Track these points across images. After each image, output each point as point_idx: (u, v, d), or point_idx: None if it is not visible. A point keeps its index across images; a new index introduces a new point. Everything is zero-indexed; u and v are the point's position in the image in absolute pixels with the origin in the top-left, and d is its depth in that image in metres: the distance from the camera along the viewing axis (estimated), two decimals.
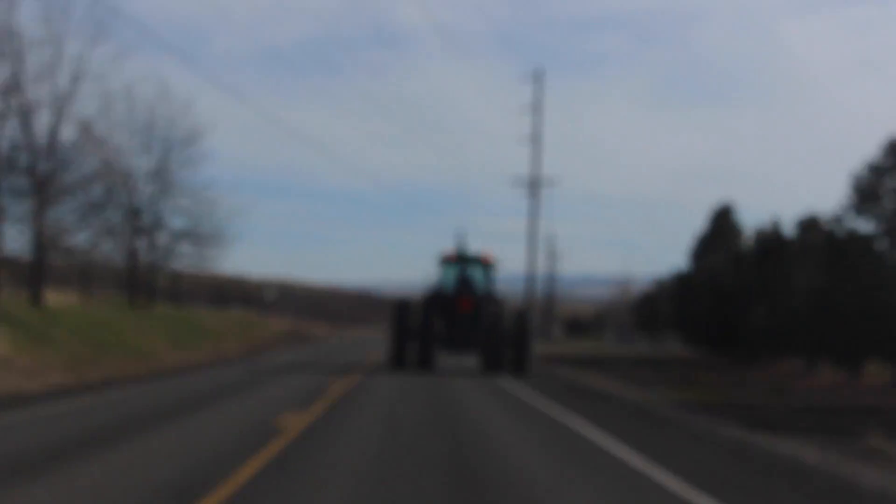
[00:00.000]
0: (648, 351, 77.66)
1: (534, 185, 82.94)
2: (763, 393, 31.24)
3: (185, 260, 50.17)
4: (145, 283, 50.28)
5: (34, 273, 37.87)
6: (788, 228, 48.07)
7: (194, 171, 49.53)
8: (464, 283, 36.61)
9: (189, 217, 49.42)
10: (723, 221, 63.48)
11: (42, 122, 36.04)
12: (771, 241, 49.21)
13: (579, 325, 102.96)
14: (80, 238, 38.00)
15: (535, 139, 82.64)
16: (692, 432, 17.94)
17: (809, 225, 47.04)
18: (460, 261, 36.93)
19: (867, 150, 36.82)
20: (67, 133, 36.74)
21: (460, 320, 35.67)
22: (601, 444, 15.10)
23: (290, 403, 19.95)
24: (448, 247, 37.77)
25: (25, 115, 35.55)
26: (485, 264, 37.09)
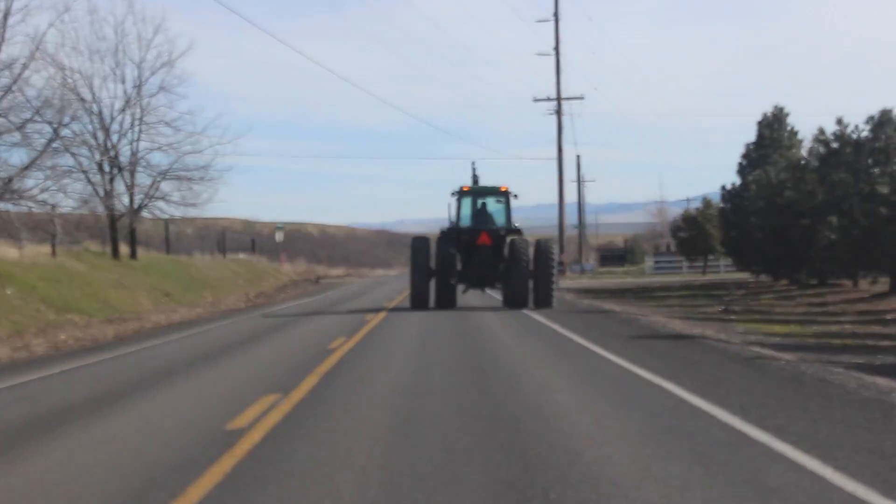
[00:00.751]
0: (695, 277, 71.90)
1: (558, 102, 77.12)
2: (858, 321, 27.32)
3: (171, 202, 43.77)
4: (129, 231, 44.21)
5: None
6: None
7: (175, 100, 43.09)
8: (480, 216, 35.19)
9: (171, 153, 43.21)
10: (774, 129, 57.12)
11: None
12: (840, 142, 42.84)
13: (613, 255, 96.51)
14: (30, 181, 31.54)
15: (557, 50, 76.70)
16: (847, 393, 12.00)
17: (883, 121, 40.88)
18: (475, 193, 35.44)
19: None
20: (11, 51, 30.35)
21: (479, 254, 34.31)
22: (759, 441, 9.13)
23: (253, 392, 13.94)
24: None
25: None
26: (501, 195, 35.41)
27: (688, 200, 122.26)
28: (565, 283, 57.22)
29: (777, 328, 24.85)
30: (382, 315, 30.08)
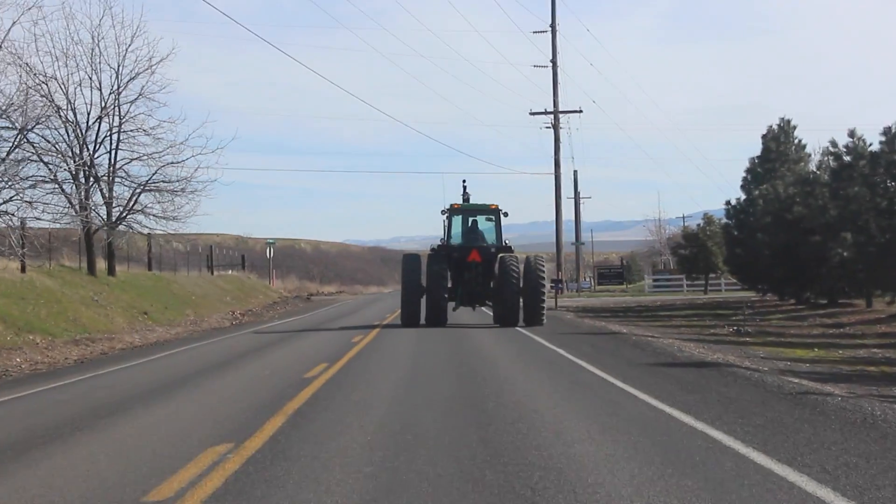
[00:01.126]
0: (696, 295, 69.59)
1: (555, 115, 75.31)
2: (884, 344, 25.29)
3: (151, 215, 41.23)
4: (107, 246, 41.77)
5: None
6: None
7: (155, 108, 40.63)
8: (471, 234, 35.14)
9: (152, 163, 40.72)
10: (781, 143, 54.81)
11: None
12: (853, 155, 40.64)
13: (611, 272, 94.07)
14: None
15: (554, 62, 74.88)
16: None
17: None
18: (465, 211, 35.42)
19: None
20: None
21: (470, 272, 34.33)
22: None
23: (198, 442, 11.61)
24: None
25: None
26: (492, 213, 35.36)
27: (683, 218, 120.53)
28: (563, 301, 55.08)
29: (799, 352, 23.04)
30: (371, 335, 27.91)
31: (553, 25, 75.19)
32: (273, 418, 11.72)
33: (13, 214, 30.28)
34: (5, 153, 29.10)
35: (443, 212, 35.14)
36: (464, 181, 36.77)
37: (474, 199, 36.37)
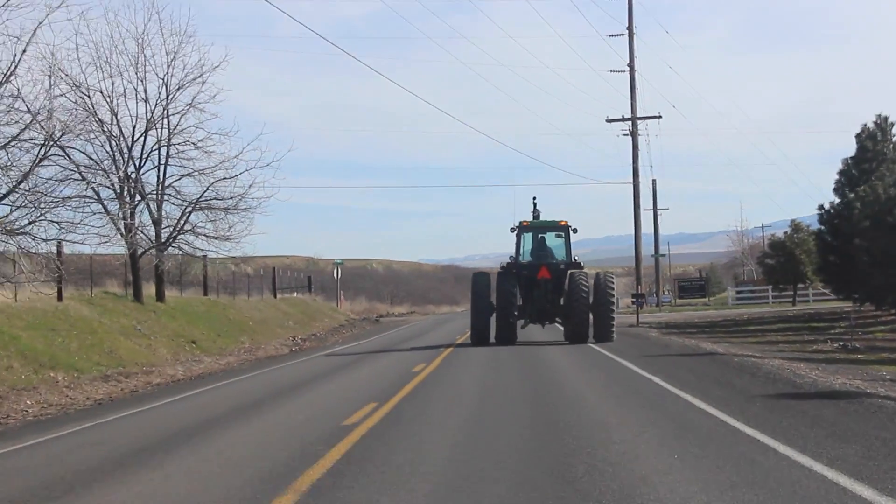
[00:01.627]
0: (784, 307, 65.61)
1: (633, 122, 71.88)
2: None
3: (201, 235, 38.27)
4: (155, 269, 38.90)
5: None
6: None
7: (206, 119, 37.61)
8: (540, 251, 35.33)
9: (203, 179, 37.81)
10: (878, 141, 50.86)
11: None
12: None
13: (692, 285, 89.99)
14: (16, 215, 26.05)
15: (631, 66, 71.41)
16: None
17: None
18: (534, 228, 35.72)
19: None
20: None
21: (539, 289, 34.19)
22: None
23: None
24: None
25: None
26: (561, 229, 35.55)
27: (763, 227, 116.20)
28: (644, 316, 51.52)
29: None
30: (435, 363, 24.88)
31: (630, 28, 71.70)
32: (279, 499, 8.49)
33: (42, 238, 27.23)
34: (29, 167, 25.97)
35: (512, 229, 35.25)
36: (534, 198, 38.18)
37: (547, 215, 36.72)
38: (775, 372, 19.46)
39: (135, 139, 36.42)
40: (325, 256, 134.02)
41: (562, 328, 35.46)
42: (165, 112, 36.95)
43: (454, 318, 69.52)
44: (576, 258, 34.93)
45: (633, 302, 57.43)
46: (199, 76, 36.95)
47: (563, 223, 35.31)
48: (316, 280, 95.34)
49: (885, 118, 50.87)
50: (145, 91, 36.65)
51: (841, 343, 29.14)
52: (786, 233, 71.09)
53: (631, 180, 73.70)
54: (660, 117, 74.01)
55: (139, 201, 36.73)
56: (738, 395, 15.33)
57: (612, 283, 33.68)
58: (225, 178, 37.98)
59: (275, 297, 63.48)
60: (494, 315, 33.38)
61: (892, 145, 50.84)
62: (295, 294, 72.25)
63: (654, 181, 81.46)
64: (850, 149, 52.01)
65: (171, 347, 32.94)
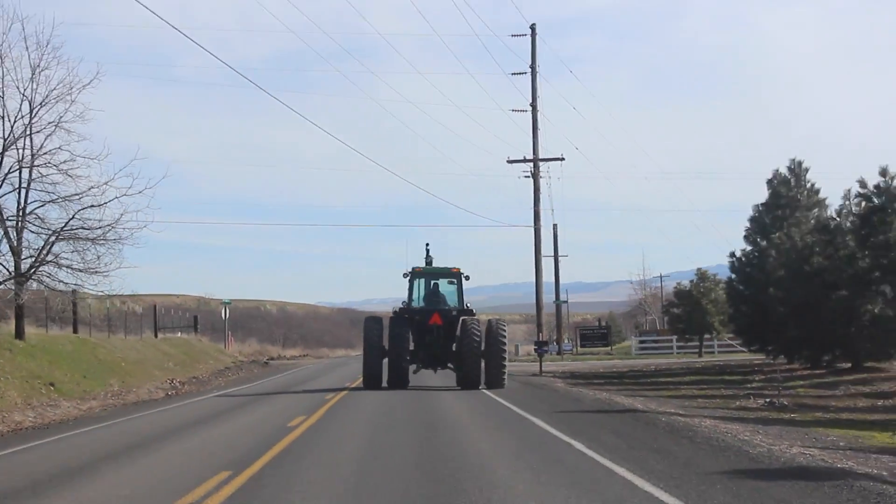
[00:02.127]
0: (690, 358, 63.56)
1: (535, 163, 69.50)
2: None
3: (63, 267, 34.52)
4: (15, 304, 35.04)
5: None
6: None
7: (74, 141, 33.99)
8: (433, 297, 35.63)
9: (68, 209, 34.17)
10: (791, 187, 48.86)
11: None
12: (886, 196, 35.03)
13: (595, 333, 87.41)
14: None
15: (534, 105, 69.05)
16: None
17: None
18: (427, 274, 36.13)
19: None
20: None
21: (431, 335, 34.61)
22: None
23: None
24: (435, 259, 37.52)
25: None
26: (453, 276, 35.86)
27: (661, 277, 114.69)
28: (547, 365, 48.82)
29: (880, 437, 17.63)
30: (318, 415, 21.61)
31: (533, 66, 69.39)
32: None
33: None
34: None
35: (405, 275, 35.72)
36: (427, 244, 37.64)
37: (441, 262, 37.45)
38: (715, 437, 16.59)
39: None
40: (216, 296, 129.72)
41: (454, 373, 35.18)
42: (28, 130, 33.35)
43: (347, 362, 66.07)
44: (468, 305, 35.21)
45: (535, 350, 54.64)
46: (69, 93, 33.46)
47: (455, 270, 35.81)
48: (206, 320, 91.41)
49: (800, 163, 48.92)
50: (3, 107, 33.11)
51: (767, 400, 26.86)
52: (692, 281, 69.09)
53: (532, 224, 71.42)
54: (562, 159, 71.38)
55: None
56: (686, 471, 12.35)
57: (504, 330, 33.77)
58: (93, 206, 34.38)
59: (156, 336, 59.61)
60: (387, 360, 33.38)
61: (805, 191, 48.88)
62: (179, 334, 68.38)
63: (555, 226, 78.63)
64: (747, 203, 50.07)
65: (24, 390, 29.21)
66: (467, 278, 35.52)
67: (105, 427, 21.95)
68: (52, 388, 30.93)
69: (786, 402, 26.18)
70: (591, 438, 15.95)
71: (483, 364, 33.13)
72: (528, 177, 71.15)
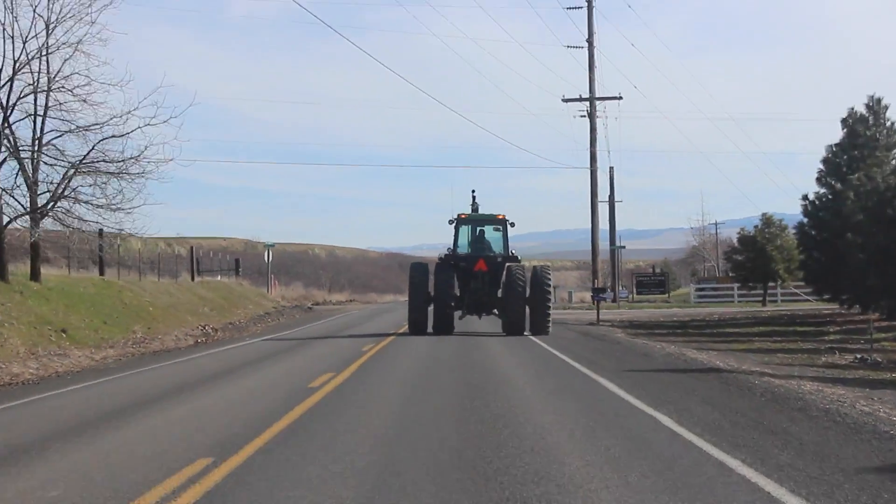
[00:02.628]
0: (753, 307, 60.12)
1: (591, 102, 66.57)
2: None
3: (82, 203, 31.71)
4: (32, 245, 32.37)
5: None
6: None
7: (93, 66, 31.18)
8: (478, 243, 35.84)
9: (88, 140, 31.36)
10: (870, 126, 45.28)
11: None
12: None
13: (652, 281, 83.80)
14: None
15: (590, 42, 65.89)
16: None
17: None
18: (473, 221, 36.24)
19: None
20: None
21: (476, 281, 34.69)
22: None
23: None
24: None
25: None
26: (499, 223, 36.01)
27: (716, 225, 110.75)
28: (604, 313, 45.59)
29: None
30: (347, 373, 18.72)
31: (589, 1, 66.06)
32: None
33: None
34: None
35: (450, 221, 35.80)
36: (473, 191, 37.39)
37: (491, 209, 37.83)
38: (832, 408, 13.29)
39: (1, 83, 30.05)
40: (263, 240, 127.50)
41: (499, 319, 35.06)
42: (43, 51, 30.46)
43: (395, 307, 63.04)
44: (513, 251, 35.35)
45: (592, 297, 51.49)
46: (87, 12, 30.58)
47: (500, 217, 35.86)
48: (251, 264, 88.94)
49: (879, 100, 45.42)
50: (15, 24, 30.27)
51: (858, 356, 23.68)
52: (756, 227, 65.41)
53: (588, 165, 68.20)
54: (620, 98, 68.36)
55: (5, 156, 30.37)
56: (824, 466, 9.01)
57: (549, 276, 33.88)
58: (114, 136, 31.55)
59: (192, 279, 56.96)
60: (432, 306, 33.48)
61: (885, 130, 45.27)
62: (219, 277, 65.78)
63: (611, 168, 75.50)
64: (816, 147, 46.64)
65: (31, 337, 26.44)
66: (512, 225, 35.71)
67: (113, 380, 19.37)
68: (63, 335, 28.18)
69: (878, 359, 23.09)
70: (681, 411, 12.73)
71: (528, 310, 33.17)
72: (585, 116, 68.14)
